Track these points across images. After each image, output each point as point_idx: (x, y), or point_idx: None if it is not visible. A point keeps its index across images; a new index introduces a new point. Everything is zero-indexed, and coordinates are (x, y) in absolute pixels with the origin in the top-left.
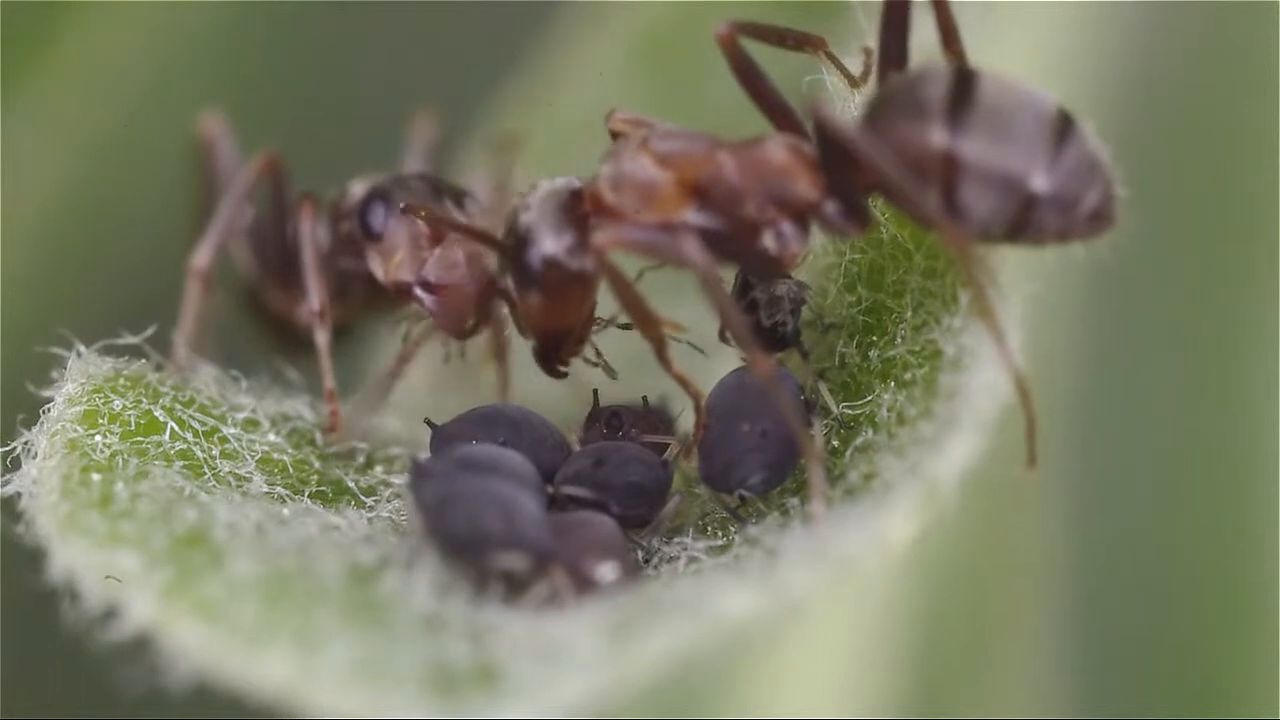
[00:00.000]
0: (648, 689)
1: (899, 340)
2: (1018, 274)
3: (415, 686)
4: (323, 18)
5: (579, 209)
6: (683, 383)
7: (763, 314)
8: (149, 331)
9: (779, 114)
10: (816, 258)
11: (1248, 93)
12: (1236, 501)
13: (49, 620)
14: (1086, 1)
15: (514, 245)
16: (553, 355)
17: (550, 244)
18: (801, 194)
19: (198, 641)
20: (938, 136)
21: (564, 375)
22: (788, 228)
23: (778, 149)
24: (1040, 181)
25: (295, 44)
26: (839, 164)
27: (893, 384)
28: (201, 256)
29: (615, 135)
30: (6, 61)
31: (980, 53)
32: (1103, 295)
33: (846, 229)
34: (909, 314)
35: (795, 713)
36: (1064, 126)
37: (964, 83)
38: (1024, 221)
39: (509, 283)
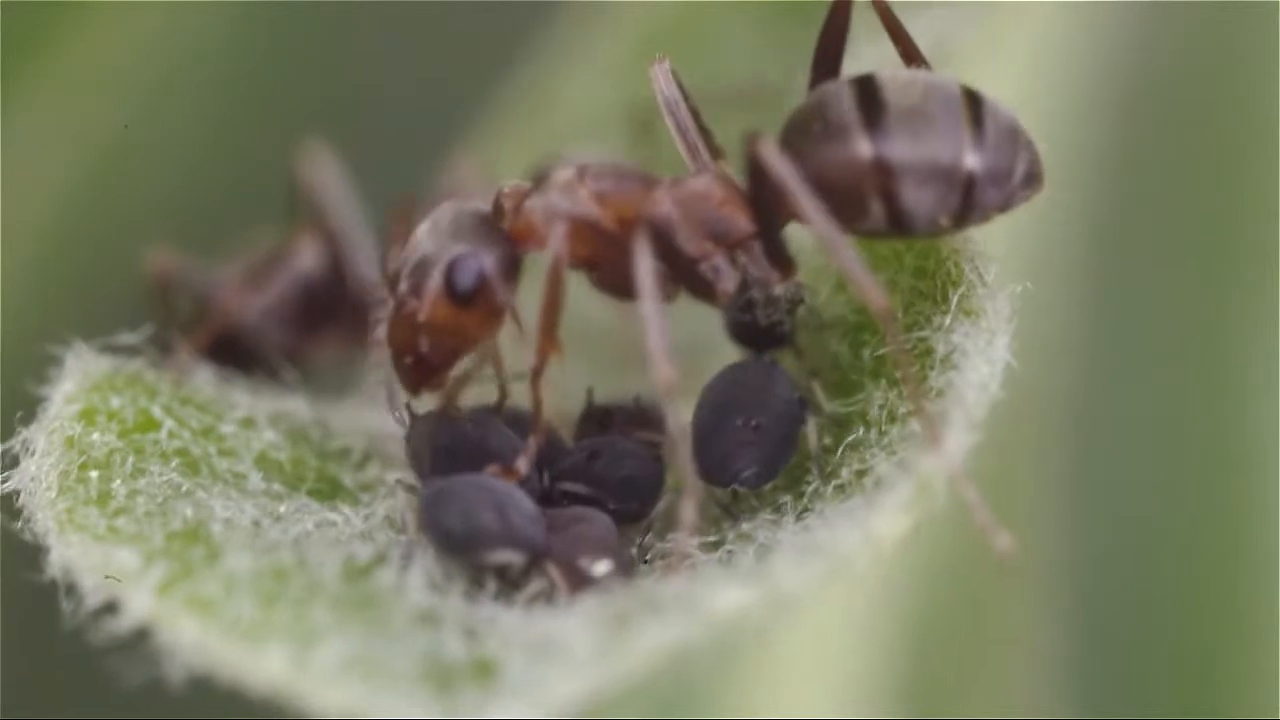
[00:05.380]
0: (642, 685)
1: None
2: (1006, 273)
3: (410, 682)
4: (324, 19)
5: (499, 232)
6: (537, 405)
7: (760, 313)
8: (147, 331)
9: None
10: (808, 258)
11: (1247, 93)
12: (1236, 500)
13: (48, 617)
14: (1086, 1)
15: (443, 256)
16: (426, 373)
17: (484, 261)
18: (735, 229)
19: (194, 637)
20: (864, 150)
21: (419, 394)
22: (721, 262)
23: (711, 183)
24: (973, 161)
25: (297, 45)
26: (768, 202)
27: (884, 382)
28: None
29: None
30: (9, 62)
31: (979, 54)
32: (1101, 294)
33: (770, 274)
34: (900, 313)
35: (791, 711)
36: (974, 103)
37: (868, 90)
38: (968, 205)
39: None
